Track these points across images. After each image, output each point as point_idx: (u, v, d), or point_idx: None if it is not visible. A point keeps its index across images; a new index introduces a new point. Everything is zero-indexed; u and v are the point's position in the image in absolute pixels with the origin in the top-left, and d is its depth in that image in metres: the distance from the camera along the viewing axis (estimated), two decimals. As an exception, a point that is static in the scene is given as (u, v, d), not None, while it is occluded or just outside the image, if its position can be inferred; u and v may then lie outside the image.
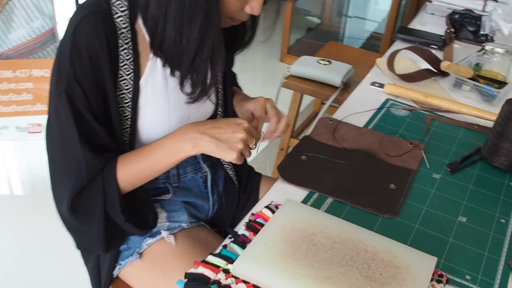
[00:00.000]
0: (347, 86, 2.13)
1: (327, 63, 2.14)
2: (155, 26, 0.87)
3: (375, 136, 1.20)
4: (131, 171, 0.96)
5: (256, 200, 1.30)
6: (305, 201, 0.99)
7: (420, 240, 0.93)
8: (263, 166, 2.60)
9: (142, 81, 0.98)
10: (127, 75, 0.95)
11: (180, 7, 0.84)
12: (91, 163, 0.92)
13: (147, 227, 1.05)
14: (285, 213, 0.92)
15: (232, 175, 1.28)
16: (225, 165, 1.28)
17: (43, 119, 2.16)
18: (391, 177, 1.07)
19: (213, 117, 1.21)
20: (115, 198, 0.94)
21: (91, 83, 0.90)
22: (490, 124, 1.28)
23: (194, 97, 0.98)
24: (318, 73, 2.09)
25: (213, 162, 1.30)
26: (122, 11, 0.92)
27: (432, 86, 1.44)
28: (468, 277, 0.87)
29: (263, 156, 2.68)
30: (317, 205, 0.99)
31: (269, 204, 0.97)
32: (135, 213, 1.01)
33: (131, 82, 0.96)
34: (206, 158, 1.28)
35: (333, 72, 2.07)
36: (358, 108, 1.32)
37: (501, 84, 1.43)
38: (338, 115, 1.29)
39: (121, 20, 0.92)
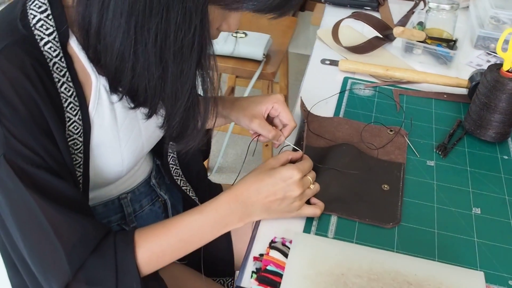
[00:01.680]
0: (268, 58, 1.97)
1: (243, 35, 1.95)
2: (120, 63, 0.65)
3: (351, 126, 1.06)
4: (160, 252, 0.75)
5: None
6: (308, 226, 0.83)
7: (446, 247, 0.82)
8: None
9: (91, 118, 0.75)
10: (75, 115, 0.72)
11: (162, 39, 0.63)
12: (61, 231, 0.68)
13: None
14: (300, 254, 0.75)
15: (192, 196, 1.09)
16: (183, 187, 1.08)
17: None
18: (381, 176, 0.94)
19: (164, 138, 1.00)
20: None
21: (35, 134, 0.66)
22: (458, 91, 1.19)
23: (185, 141, 0.77)
24: (238, 49, 1.90)
25: (169, 186, 1.10)
26: (49, 34, 0.67)
27: (384, 55, 1.33)
28: (511, 282, 0.77)
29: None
30: (323, 227, 0.83)
31: (273, 243, 0.79)
32: None
33: (80, 122, 0.73)
34: (162, 182, 1.08)
35: (252, 45, 1.90)
36: (317, 93, 1.17)
37: (448, 42, 1.35)
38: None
39: (50, 48, 0.67)
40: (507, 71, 0.99)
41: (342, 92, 1.16)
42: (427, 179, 0.95)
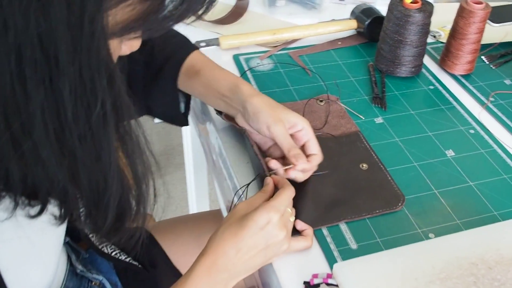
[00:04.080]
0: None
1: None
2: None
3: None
4: None
5: (173, 270, 0.94)
6: (326, 248, 0.71)
7: (456, 204, 0.77)
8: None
9: None
10: None
11: (55, 124, 0.41)
12: None
13: None
14: None
15: (125, 259, 0.87)
16: (113, 252, 0.85)
17: None
18: (352, 156, 0.84)
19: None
20: None
21: None
22: (347, 33, 1.13)
23: (124, 232, 0.55)
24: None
25: (90, 260, 0.86)
26: None
27: (253, 18, 1.19)
28: (527, 213, 0.77)
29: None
30: (340, 240, 0.72)
31: (314, 287, 0.65)
32: None
33: None
34: (86, 261, 0.84)
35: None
36: (215, 84, 0.99)
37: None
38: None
39: None
40: (410, 3, 0.95)
41: (243, 74, 1.01)
42: (388, 139, 0.88)
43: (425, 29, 0.96)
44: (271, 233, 0.64)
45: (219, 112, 0.87)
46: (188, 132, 1.45)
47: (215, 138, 0.90)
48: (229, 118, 0.85)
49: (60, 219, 0.49)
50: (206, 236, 0.99)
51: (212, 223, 1.00)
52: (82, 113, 0.40)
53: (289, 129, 0.75)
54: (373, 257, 0.67)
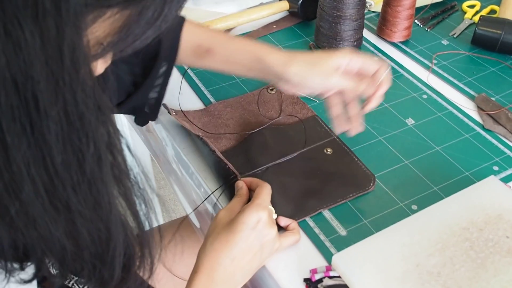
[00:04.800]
0: None
1: None
2: None
3: (233, 107, 0.88)
4: None
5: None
6: (316, 240, 0.68)
7: (428, 171, 0.78)
8: None
9: None
10: None
11: (42, 177, 0.35)
12: None
13: None
14: (362, 276, 0.61)
15: None
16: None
17: None
18: (314, 142, 0.82)
19: None
20: None
21: None
22: (279, 16, 1.11)
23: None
24: None
25: None
26: None
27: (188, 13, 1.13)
28: (495, 167, 0.79)
29: None
30: (328, 229, 0.70)
31: (317, 283, 0.63)
32: None
33: None
34: None
35: None
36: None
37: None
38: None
39: None
40: (344, -25, 0.93)
41: (185, 73, 0.96)
42: (348, 117, 0.87)
43: (362, 1, 0.95)
44: (263, 232, 0.62)
45: (168, 111, 0.81)
46: (128, 139, 1.36)
47: (171, 146, 0.85)
48: (182, 117, 0.81)
49: (62, 279, 0.42)
50: (178, 247, 0.94)
51: (182, 232, 0.95)
52: (73, 159, 0.34)
53: (339, 70, 0.72)
54: (369, 241, 0.65)
